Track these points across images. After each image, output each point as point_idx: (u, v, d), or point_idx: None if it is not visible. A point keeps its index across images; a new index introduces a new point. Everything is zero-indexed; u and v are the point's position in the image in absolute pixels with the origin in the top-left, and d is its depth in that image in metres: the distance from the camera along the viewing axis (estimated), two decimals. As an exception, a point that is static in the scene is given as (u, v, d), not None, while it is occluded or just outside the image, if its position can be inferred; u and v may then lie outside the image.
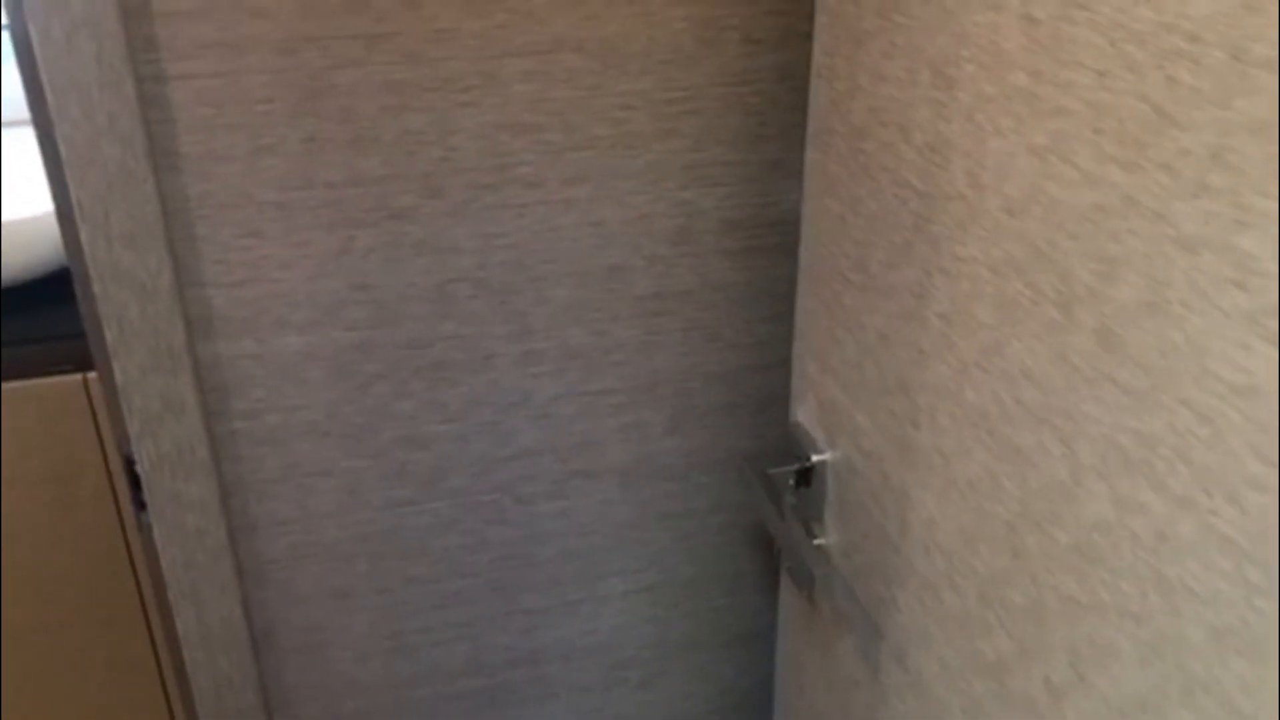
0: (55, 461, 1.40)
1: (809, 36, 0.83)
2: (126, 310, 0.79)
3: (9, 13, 0.72)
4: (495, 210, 0.83)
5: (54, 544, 1.45)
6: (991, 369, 0.61)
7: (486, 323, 0.87)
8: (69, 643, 1.52)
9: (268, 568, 0.90)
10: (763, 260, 0.91)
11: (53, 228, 1.34)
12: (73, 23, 0.71)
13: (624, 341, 0.90)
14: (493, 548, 0.95)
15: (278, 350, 0.83)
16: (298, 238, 0.80)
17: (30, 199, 1.34)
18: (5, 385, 1.35)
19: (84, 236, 0.76)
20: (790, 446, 0.87)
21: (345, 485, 0.89)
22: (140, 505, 0.85)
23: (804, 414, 0.85)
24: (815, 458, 0.83)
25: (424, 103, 0.79)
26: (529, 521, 0.95)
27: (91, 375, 1.37)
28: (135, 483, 0.85)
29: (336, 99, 0.77)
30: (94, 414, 1.39)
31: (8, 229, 1.33)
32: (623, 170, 0.84)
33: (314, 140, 0.78)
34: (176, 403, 0.82)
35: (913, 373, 0.68)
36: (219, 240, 0.79)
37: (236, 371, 0.83)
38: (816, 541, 0.84)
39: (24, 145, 1.57)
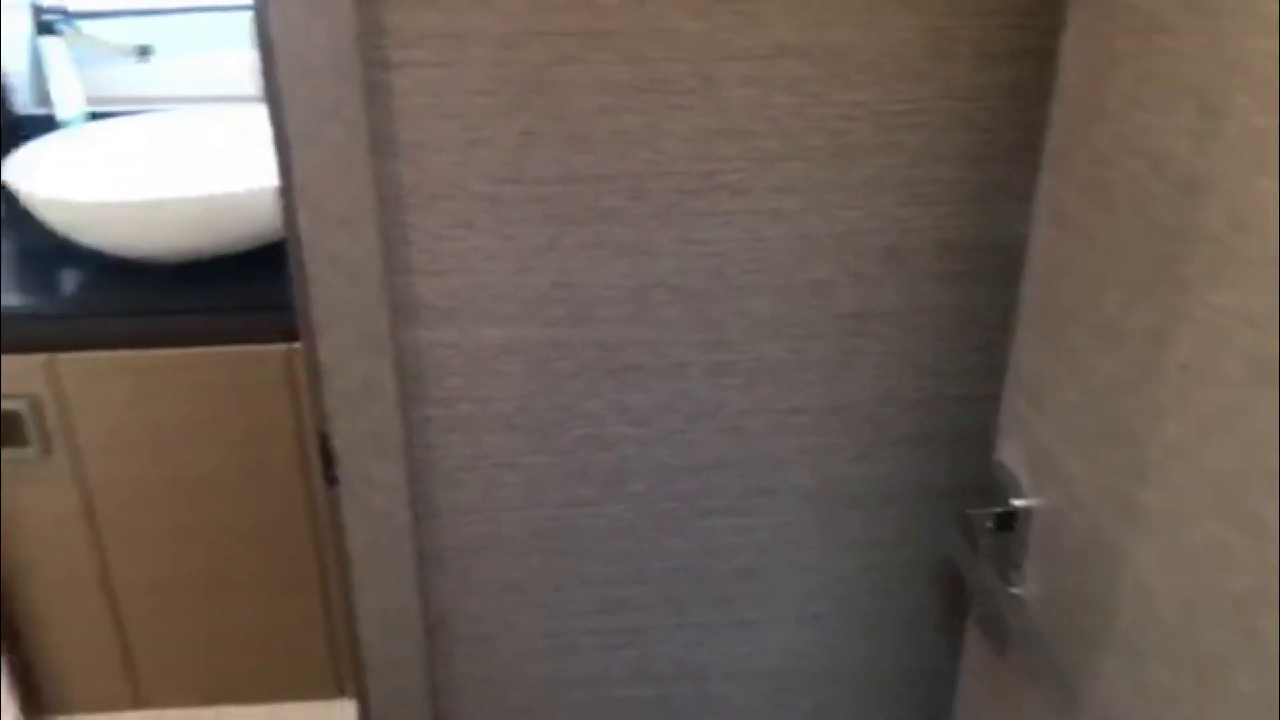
0: (252, 426, 1.46)
1: (1046, 53, 0.78)
2: (335, 291, 0.80)
3: (253, -5, 0.74)
4: (700, 216, 0.81)
5: (242, 504, 1.51)
6: (1237, 431, 0.55)
7: (681, 330, 0.85)
8: (246, 600, 1.59)
9: (446, 555, 0.91)
10: (976, 286, 0.86)
11: (273, 202, 1.40)
12: (311, 7, 0.73)
13: (820, 360, 0.87)
14: (668, 557, 0.93)
15: (477, 341, 0.83)
16: (505, 231, 0.80)
17: (259, 173, 1.40)
18: (215, 349, 1.41)
19: (301, 216, 0.78)
20: (989, 486, 0.82)
21: (528, 479, 0.89)
22: (332, 481, 0.87)
23: (1010, 454, 0.80)
24: (1018, 502, 0.78)
25: (638, 103, 0.77)
26: (706, 535, 0.93)
27: (296, 347, 1.42)
28: (328, 458, 0.87)
29: (553, 95, 0.77)
30: (293, 386, 1.44)
31: (235, 199, 1.39)
32: (836, 183, 0.81)
33: (529, 135, 0.78)
34: (375, 385, 0.83)
35: (1143, 425, 0.63)
36: (429, 229, 0.80)
37: (435, 359, 0.84)
38: (1013, 590, 0.79)
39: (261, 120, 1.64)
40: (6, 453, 1.44)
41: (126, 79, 1.68)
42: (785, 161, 0.80)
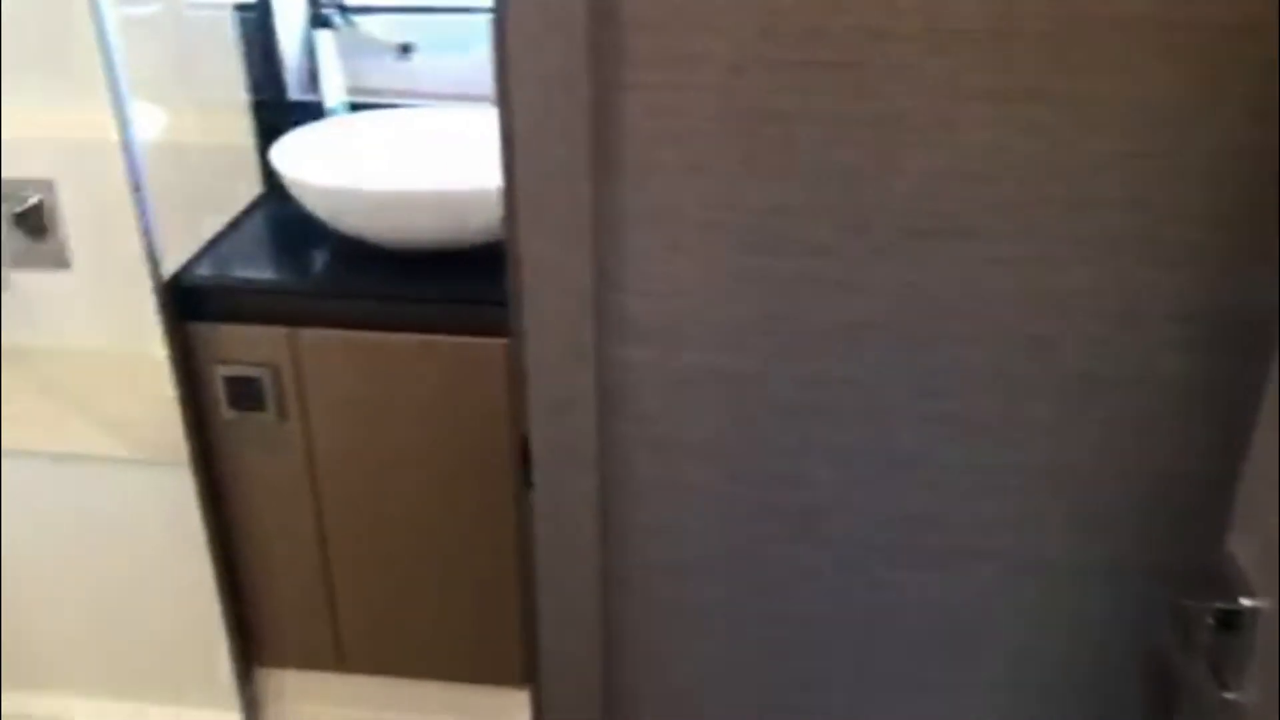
0: (469, 414, 1.51)
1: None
2: (546, 302, 0.81)
3: (495, 5, 0.76)
4: (923, 259, 0.78)
5: (451, 487, 1.57)
6: None
7: (891, 374, 0.82)
8: (445, 580, 1.65)
9: (630, 571, 0.91)
10: (1219, 358, 0.79)
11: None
12: (547, 21, 0.74)
13: (1038, 420, 0.82)
14: (855, 606, 0.90)
15: (680, 364, 0.83)
16: (718, 258, 0.80)
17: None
18: (441, 337, 1.47)
19: (520, 226, 0.80)
20: (1214, 578, 0.75)
21: (718, 507, 0.88)
22: (527, 484, 0.89)
23: (1241, 547, 0.73)
24: (1247, 602, 0.71)
25: (868, 138, 0.75)
26: (898, 588, 0.89)
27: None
28: (525, 461, 0.88)
29: (779, 124, 0.75)
30: (510, 379, 1.48)
31: (473, 196, 1.45)
32: (1073, 235, 0.76)
33: (749, 163, 0.76)
34: (575, 396, 0.84)
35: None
36: (642, 249, 0.80)
37: (636, 378, 0.84)
38: (1228, 695, 0.72)
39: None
40: (247, 416, 1.54)
41: (386, 73, 1.77)
42: (1019, 209, 0.76)
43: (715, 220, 0.78)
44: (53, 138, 1.75)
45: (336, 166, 1.61)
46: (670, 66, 0.74)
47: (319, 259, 1.56)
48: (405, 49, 1.53)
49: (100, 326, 1.88)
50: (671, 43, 0.74)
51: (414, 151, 1.67)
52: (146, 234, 1.46)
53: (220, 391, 1.54)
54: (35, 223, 1.81)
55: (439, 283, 1.48)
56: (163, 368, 1.53)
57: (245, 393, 1.53)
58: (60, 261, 1.83)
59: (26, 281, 1.85)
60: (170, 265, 1.50)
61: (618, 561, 0.90)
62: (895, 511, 0.86)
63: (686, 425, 0.85)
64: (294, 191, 1.50)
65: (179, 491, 1.62)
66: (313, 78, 1.73)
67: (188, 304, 1.51)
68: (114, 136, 1.45)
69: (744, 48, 0.73)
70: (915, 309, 0.80)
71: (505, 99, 0.77)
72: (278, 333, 1.50)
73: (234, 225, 1.65)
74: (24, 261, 1.84)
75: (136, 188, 1.46)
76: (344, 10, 1.65)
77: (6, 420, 1.68)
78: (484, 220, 1.46)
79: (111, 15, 1.41)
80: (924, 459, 0.84)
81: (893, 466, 0.85)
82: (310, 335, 1.50)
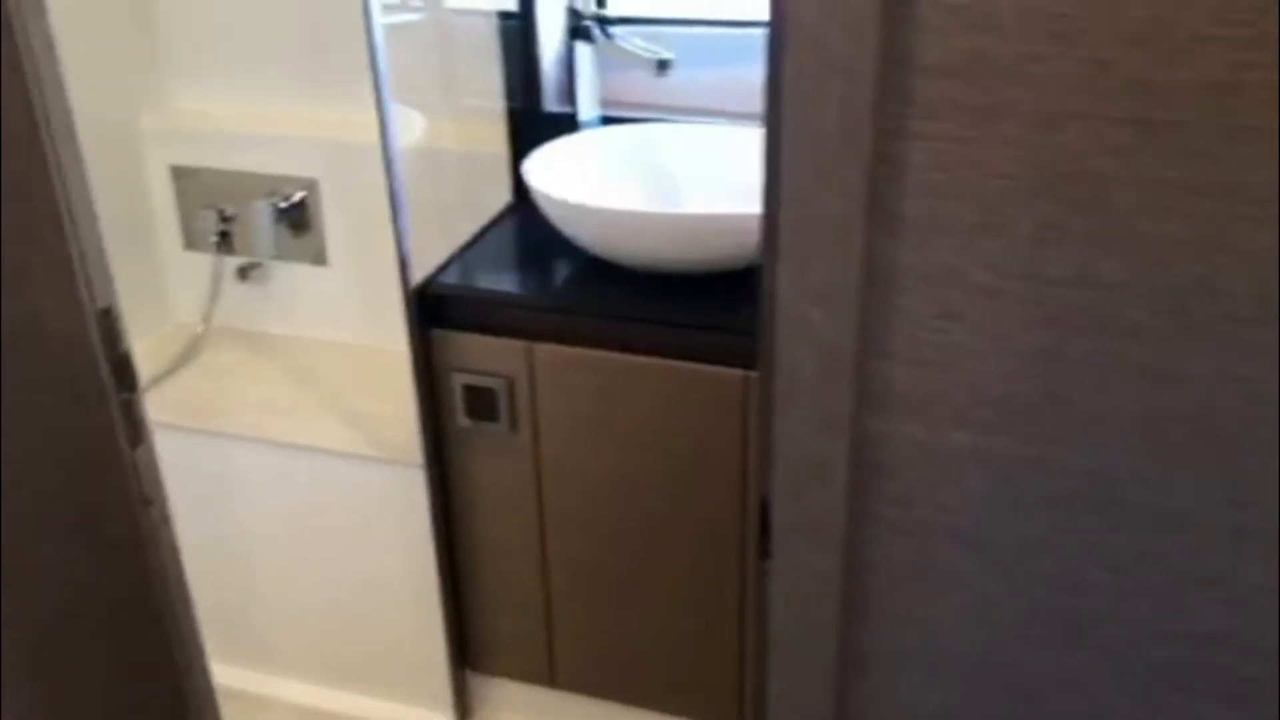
0: (699, 443, 1.46)
1: None
2: (801, 363, 0.75)
3: (769, 41, 0.70)
4: (1248, 349, 0.67)
5: (675, 515, 1.52)
6: None
7: (1195, 475, 0.71)
8: (664, 608, 1.60)
9: (868, 659, 0.83)
10: None
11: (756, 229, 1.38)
12: (827, 63, 0.67)
13: (1377, 545, 0.69)
14: (1126, 729, 0.79)
15: (946, 444, 0.75)
16: (1001, 330, 0.71)
17: (749, 197, 1.39)
18: (676, 363, 1.43)
19: (780, 280, 0.73)
20: None
21: (975, 603, 0.79)
22: (765, 554, 0.82)
23: None
24: None
25: (1194, 209, 0.64)
26: (1177, 715, 0.78)
27: (753, 375, 1.40)
28: (765, 529, 0.82)
29: (1088, 187, 0.66)
30: (744, 412, 1.42)
31: (723, 222, 1.39)
32: None
33: (1049, 228, 0.67)
34: (826, 468, 0.77)
35: None
36: (915, 315, 0.72)
37: (896, 454, 0.76)
38: None
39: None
40: (481, 425, 1.55)
41: (642, 86, 1.74)
42: (1377, 300, 0.64)
43: (1004, 288, 0.70)
44: (319, 138, 1.81)
45: (586, 183, 1.59)
46: (967, 117, 0.66)
47: (562, 273, 1.55)
48: (663, 65, 1.50)
49: (353, 322, 1.94)
50: (971, 91, 0.65)
51: (667, 169, 1.64)
52: (399, 239, 1.48)
53: (458, 398, 1.55)
54: (298, 218, 1.88)
55: (682, 306, 1.43)
56: (408, 367, 1.56)
57: (481, 402, 1.54)
58: (319, 257, 1.90)
59: (287, 273, 1.93)
60: (420, 270, 1.52)
61: (857, 650, 0.83)
62: (1187, 630, 0.75)
63: (949, 511, 0.77)
64: (542, 206, 1.49)
65: (412, 492, 1.65)
66: (568, 90, 1.73)
67: (433, 310, 1.53)
68: (375, 139, 1.49)
69: (1056, 100, 0.64)
70: (1230, 405, 0.69)
71: (774, 144, 0.71)
72: (516, 345, 1.50)
73: (482, 233, 1.66)
74: (286, 254, 1.91)
75: (393, 193, 1.48)
76: (604, 23, 1.63)
77: (255, 407, 1.76)
78: (735, 247, 1.41)
79: (379, 21, 1.43)
80: (1229, 575, 0.73)
81: (1185, 580, 0.74)
82: (547, 350, 1.48)
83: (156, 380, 1.86)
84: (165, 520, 0.96)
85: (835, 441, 0.76)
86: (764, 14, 0.69)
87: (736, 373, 1.41)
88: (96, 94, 1.81)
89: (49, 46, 0.78)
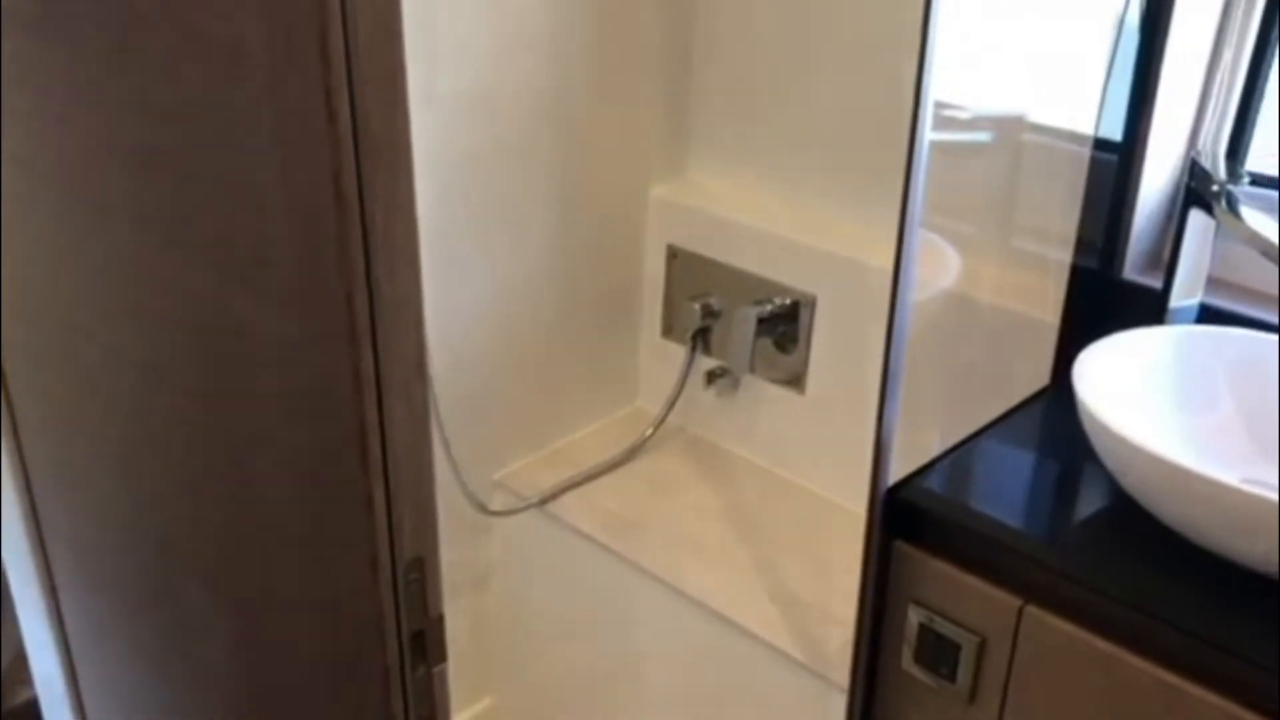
0: None
1: None
2: None
3: None
4: None
5: None
6: None
7: None
8: None
9: None
10: None
11: None
12: None
13: None
14: None
15: None
16: None
17: None
18: (1241, 711, 0.96)
19: None
20: None
21: None
22: None
23: None
24: None
25: None
26: None
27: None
28: None
29: None
30: None
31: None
32: None
33: None
34: None
35: None
36: None
37: None
38: None
39: None
40: (931, 679, 1.17)
41: (1263, 267, 1.26)
42: None
43: None
44: (830, 250, 1.51)
45: (1163, 409, 1.15)
46: None
47: (1098, 517, 1.12)
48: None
49: (818, 466, 1.63)
50: None
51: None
52: (884, 420, 1.13)
53: (910, 637, 1.18)
54: (785, 334, 1.60)
55: (1276, 629, 0.96)
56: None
57: (938, 652, 1.16)
58: (797, 382, 1.61)
59: (757, 390, 1.67)
60: (904, 462, 1.16)
61: None
62: None
63: None
64: (1090, 430, 1.08)
65: (825, 715, 1.31)
66: (1163, 256, 1.28)
67: (905, 518, 1.17)
68: (886, 264, 1.15)
69: None
70: None
71: None
72: (1002, 598, 1.10)
73: (996, 425, 1.27)
74: (762, 369, 1.65)
75: (890, 352, 1.13)
76: (1231, 199, 1.16)
77: (680, 543, 1.50)
78: None
79: (927, 137, 1.09)
80: None
81: None
82: (1043, 619, 1.07)
83: (592, 475, 1.67)
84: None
85: None
86: None
87: (1331, 759, 0.91)
88: (618, 159, 1.64)
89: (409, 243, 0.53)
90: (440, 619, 0.62)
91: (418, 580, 0.59)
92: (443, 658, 0.64)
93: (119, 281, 0.71)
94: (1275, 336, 1.16)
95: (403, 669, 0.60)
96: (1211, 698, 0.97)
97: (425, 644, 0.62)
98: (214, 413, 0.67)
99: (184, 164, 0.62)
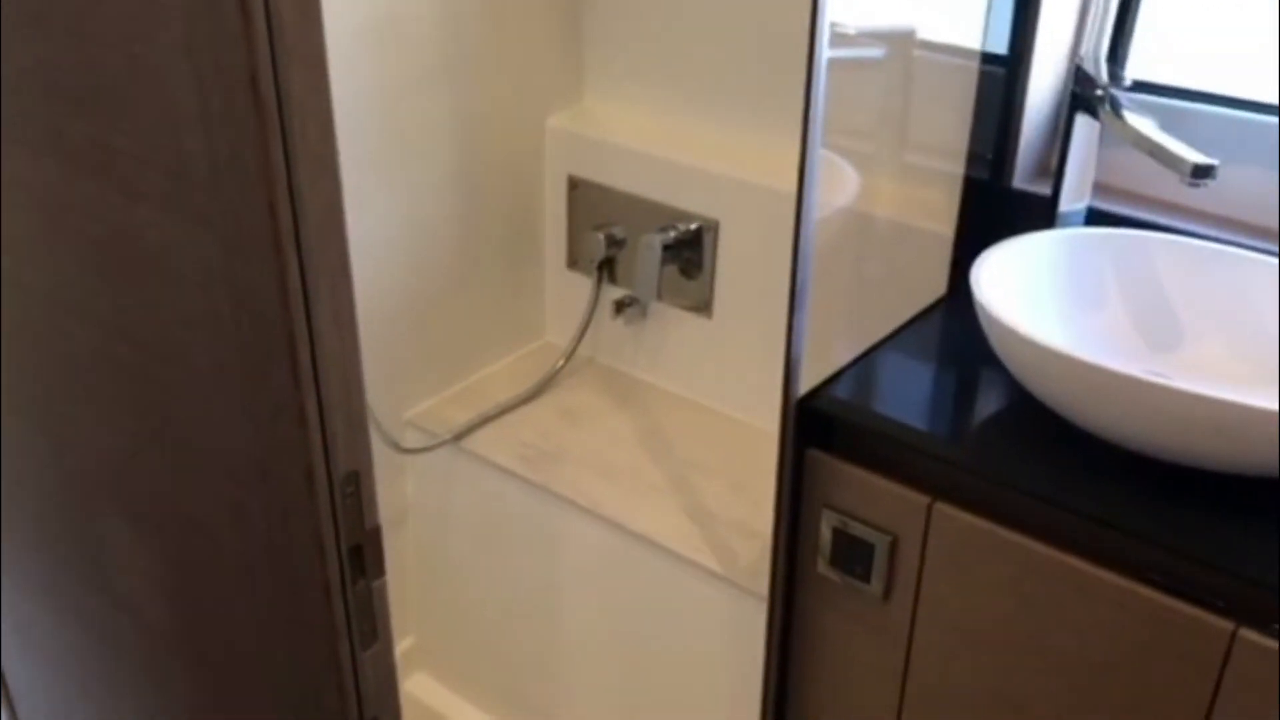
0: (1134, 702, 1.04)
1: None
2: None
3: None
4: None
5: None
6: None
7: None
8: None
9: None
10: None
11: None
12: None
13: None
14: None
15: None
16: None
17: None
18: (1139, 588, 1.01)
19: None
20: None
21: None
22: None
23: None
24: None
25: None
26: None
27: (1252, 634, 0.96)
28: None
29: None
30: (1216, 685, 0.99)
31: (1257, 418, 0.96)
32: None
33: None
34: None
35: None
36: None
37: None
38: None
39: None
40: (846, 581, 1.21)
41: (1152, 173, 1.31)
42: None
43: None
44: (730, 175, 1.53)
45: (1055, 307, 1.20)
46: None
47: (996, 413, 1.17)
48: (1201, 174, 1.06)
49: (727, 387, 1.66)
50: None
51: (1176, 308, 1.20)
52: (793, 332, 1.16)
53: (825, 542, 1.22)
54: (689, 260, 1.62)
55: (1170, 511, 1.01)
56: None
57: (852, 554, 1.20)
58: (703, 306, 1.63)
59: (664, 317, 1.68)
60: (812, 373, 1.20)
61: None
62: None
63: None
64: (989, 330, 1.12)
65: (748, 627, 1.35)
66: (1051, 164, 1.33)
67: (816, 426, 1.20)
68: (788, 187, 1.17)
69: None
70: None
71: None
72: (911, 496, 1.14)
73: (900, 333, 1.31)
74: (669, 296, 1.66)
75: (797, 272, 1.16)
76: (1115, 100, 1.20)
77: (596, 470, 1.52)
78: (1269, 449, 0.97)
79: (825, 55, 1.11)
80: None
81: None
82: (951, 514, 1.12)
83: (505, 410, 1.67)
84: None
85: None
86: None
87: (1224, 624, 0.98)
88: (514, 89, 1.63)
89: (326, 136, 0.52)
90: (377, 531, 0.62)
91: (353, 494, 0.59)
92: (381, 571, 0.64)
93: (41, 216, 0.69)
94: (1157, 235, 1.21)
95: (343, 583, 0.60)
96: (1114, 578, 1.03)
97: (364, 558, 0.62)
98: (136, 342, 0.65)
99: (93, 81, 0.60)
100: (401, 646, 1.83)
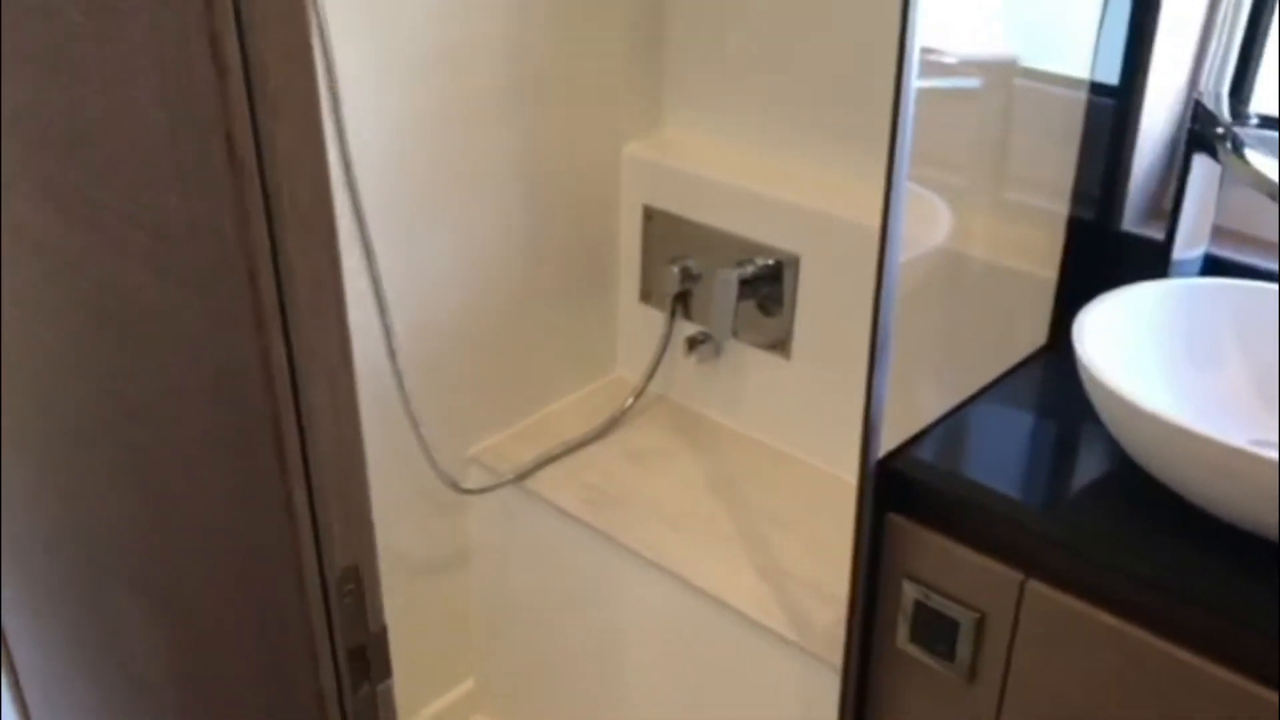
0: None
1: None
2: None
3: None
4: None
5: None
6: None
7: None
8: None
9: None
10: None
11: None
12: None
13: None
14: None
15: None
16: None
17: None
18: (1231, 677, 0.90)
19: None
20: None
21: None
22: None
23: None
24: None
25: None
26: None
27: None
28: None
29: None
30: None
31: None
32: None
33: None
34: None
35: None
36: None
37: None
38: None
39: None
40: (928, 658, 1.11)
41: (1269, 215, 1.19)
42: None
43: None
44: (814, 208, 1.44)
45: (1170, 366, 1.08)
46: None
47: (1103, 483, 1.06)
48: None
49: (806, 433, 1.57)
50: None
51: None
52: (872, 389, 1.07)
53: (906, 615, 1.12)
54: (768, 297, 1.53)
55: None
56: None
57: (935, 630, 1.10)
58: (782, 346, 1.54)
59: (740, 356, 1.60)
60: (894, 431, 1.10)
61: None
62: None
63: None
64: (1091, 393, 1.01)
65: (820, 697, 1.25)
66: (1165, 206, 1.21)
67: (898, 489, 1.11)
68: (875, 221, 1.08)
69: None
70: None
71: None
72: (1002, 572, 1.04)
73: (993, 387, 1.20)
74: (744, 334, 1.57)
75: (879, 319, 1.06)
76: (1236, 140, 1.08)
77: (664, 519, 1.43)
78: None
79: (914, 84, 1.01)
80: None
81: None
82: (1045, 594, 1.01)
83: (571, 448, 1.60)
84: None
85: None
86: None
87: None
88: (590, 116, 1.56)
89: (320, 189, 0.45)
90: (383, 632, 0.55)
91: (353, 592, 0.52)
92: (387, 673, 0.57)
93: (42, 267, 0.64)
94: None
95: (341, 691, 0.53)
96: (1231, 676, 0.91)
97: (368, 660, 0.55)
98: (130, 405, 0.60)
99: (80, 127, 0.54)
100: (462, 688, 1.77)
